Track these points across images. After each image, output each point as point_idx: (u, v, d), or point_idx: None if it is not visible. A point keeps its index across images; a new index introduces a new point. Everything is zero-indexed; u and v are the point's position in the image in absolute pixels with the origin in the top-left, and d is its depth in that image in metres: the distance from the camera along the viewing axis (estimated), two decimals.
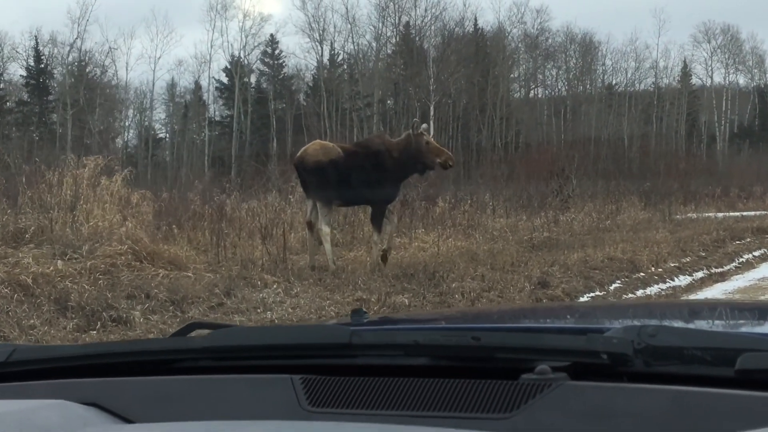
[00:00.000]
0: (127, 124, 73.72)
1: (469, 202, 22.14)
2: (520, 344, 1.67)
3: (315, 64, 70.10)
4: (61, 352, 2.08)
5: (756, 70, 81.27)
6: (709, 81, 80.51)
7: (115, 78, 70.83)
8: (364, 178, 12.71)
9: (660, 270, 15.18)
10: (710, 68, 79.91)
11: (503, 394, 1.50)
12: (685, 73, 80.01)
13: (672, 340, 1.56)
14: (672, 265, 15.71)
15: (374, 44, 68.45)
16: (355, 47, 69.21)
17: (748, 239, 20.89)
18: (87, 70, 68.32)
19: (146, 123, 73.73)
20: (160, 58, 72.64)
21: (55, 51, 68.22)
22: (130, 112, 73.51)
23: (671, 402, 1.42)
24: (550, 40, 75.52)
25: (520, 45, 74.25)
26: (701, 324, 2.55)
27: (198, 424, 1.61)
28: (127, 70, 69.51)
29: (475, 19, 71.70)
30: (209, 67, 71.20)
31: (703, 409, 1.38)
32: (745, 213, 30.18)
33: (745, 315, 2.79)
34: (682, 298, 12.52)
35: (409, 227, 17.60)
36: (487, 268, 13.51)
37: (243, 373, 1.80)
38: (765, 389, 1.40)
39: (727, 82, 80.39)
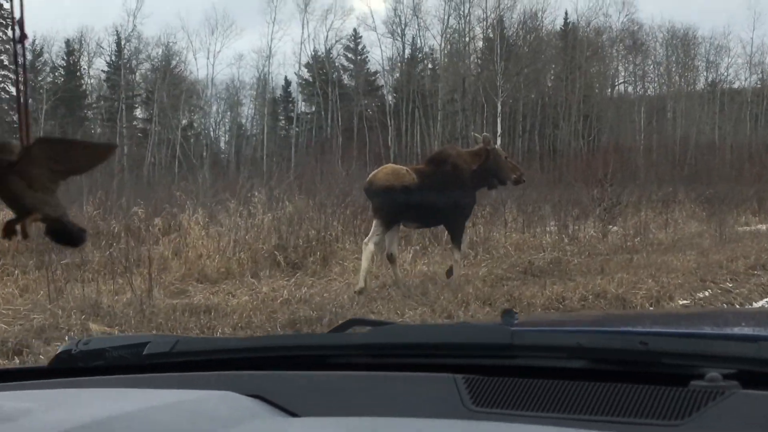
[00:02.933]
0: (218, 120, 72.91)
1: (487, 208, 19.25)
2: (688, 350, 1.61)
3: (397, 58, 68.04)
4: (223, 345, 2.18)
5: None
6: None
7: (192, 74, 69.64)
8: (442, 195, 12.08)
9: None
10: None
11: (673, 400, 1.43)
12: None
13: None
14: (680, 302, 12.46)
15: (439, 40, 66.28)
16: (435, 43, 67.06)
17: None
18: (172, 65, 68.16)
19: (237, 119, 72.90)
20: (241, 56, 71.61)
21: (134, 47, 67.71)
22: (214, 108, 72.76)
23: None
24: (642, 34, 71.92)
25: (605, 39, 70.69)
26: None
27: (367, 419, 1.53)
28: (212, 66, 68.39)
29: (566, 13, 68.69)
30: (298, 61, 69.70)
31: None
32: None
33: None
34: None
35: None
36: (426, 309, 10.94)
37: (399, 370, 1.74)
38: None
39: None
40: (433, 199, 12.04)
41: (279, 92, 72.53)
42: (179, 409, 1.59)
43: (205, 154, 64.37)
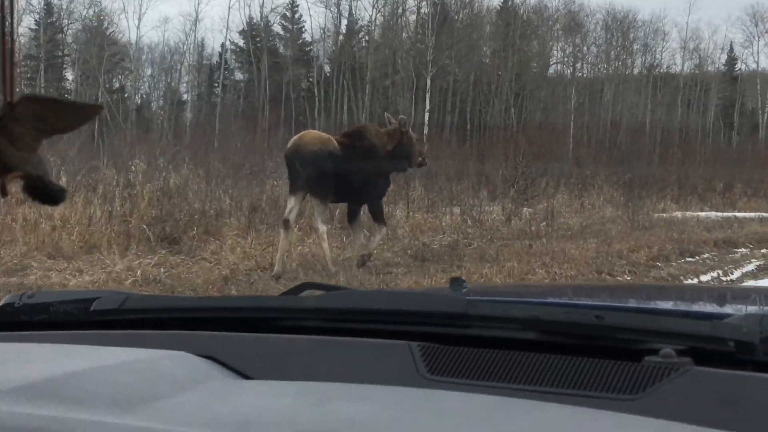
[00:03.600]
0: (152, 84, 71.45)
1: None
2: (643, 326, 1.59)
3: (332, 29, 66.90)
4: (174, 304, 2.12)
5: None
6: (755, 66, 76.93)
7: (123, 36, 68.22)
8: (359, 172, 11.77)
9: None
10: (757, 53, 79.02)
11: (627, 375, 1.42)
12: (731, 57, 77.02)
13: None
14: None
15: (376, 13, 65.24)
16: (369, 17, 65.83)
17: (705, 255, 16.46)
18: (103, 27, 66.77)
19: (172, 84, 71.13)
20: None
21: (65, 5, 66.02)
22: (147, 71, 71.13)
23: None
24: (582, 15, 71.12)
25: (544, 18, 69.84)
26: None
27: (320, 384, 1.51)
28: (137, 29, 66.93)
29: None
30: (226, 27, 68.61)
31: None
32: (740, 214, 26.00)
33: None
34: None
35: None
36: None
37: (353, 336, 1.73)
38: None
39: None
40: (353, 174, 11.69)
41: (215, 59, 70.74)
42: (134, 368, 1.54)
43: (133, 117, 63.02)
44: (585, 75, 72.03)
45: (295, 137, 12.32)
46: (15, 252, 10.81)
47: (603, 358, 1.50)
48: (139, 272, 10.34)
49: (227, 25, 68.77)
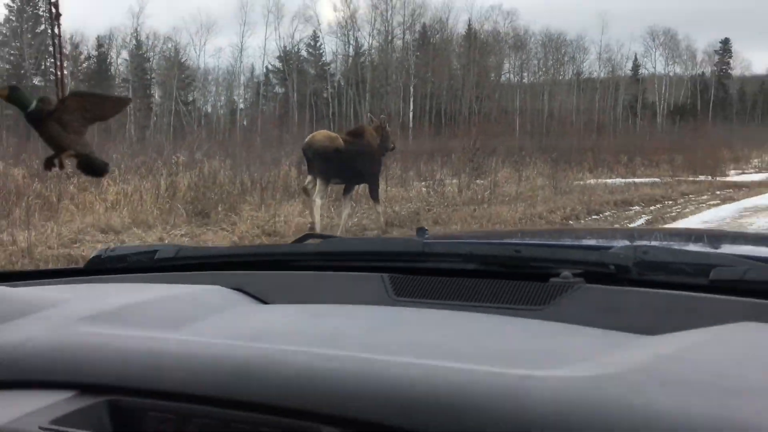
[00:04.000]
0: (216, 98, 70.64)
1: None
2: (549, 256, 1.62)
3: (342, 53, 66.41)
4: (213, 252, 2.11)
5: (689, 63, 79.60)
6: (653, 71, 78.34)
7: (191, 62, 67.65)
8: (361, 160, 11.59)
9: None
10: (654, 61, 78.66)
11: (537, 292, 1.47)
12: (636, 65, 77.82)
13: (660, 256, 1.53)
14: None
15: (372, 41, 64.28)
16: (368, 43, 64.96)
17: (607, 213, 15.80)
18: (179, 56, 66.29)
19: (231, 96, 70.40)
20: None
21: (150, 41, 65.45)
22: (214, 88, 70.17)
23: (661, 300, 1.40)
24: (526, 36, 70.30)
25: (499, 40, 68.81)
26: (683, 245, 2.22)
27: (316, 306, 1.54)
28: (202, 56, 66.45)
29: (469, 21, 66.92)
30: (264, 53, 67.70)
31: (684, 307, 1.36)
32: (638, 180, 25.20)
33: (717, 240, 2.57)
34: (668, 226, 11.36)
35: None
36: None
37: (341, 271, 1.73)
38: (730, 295, 1.38)
39: (667, 72, 78.31)
40: (356, 162, 11.47)
41: (262, 77, 70.05)
42: (180, 298, 1.54)
43: (202, 122, 62.68)
44: (528, 81, 71.27)
45: (309, 135, 12.03)
46: (73, 228, 10.20)
47: (521, 281, 1.51)
48: (167, 241, 9.75)
49: (264, 52, 68.44)
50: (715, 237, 2.86)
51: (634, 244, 1.96)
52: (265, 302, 1.62)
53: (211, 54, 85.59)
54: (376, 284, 1.61)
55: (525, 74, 71.27)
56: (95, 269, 1.98)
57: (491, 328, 1.35)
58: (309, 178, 11.56)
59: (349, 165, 11.32)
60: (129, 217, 11.25)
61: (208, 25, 74.37)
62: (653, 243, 2.26)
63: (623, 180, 25.33)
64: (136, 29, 64.66)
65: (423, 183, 18.70)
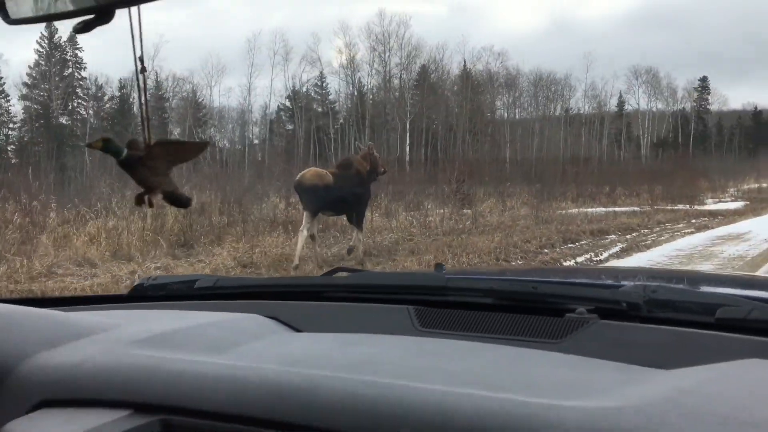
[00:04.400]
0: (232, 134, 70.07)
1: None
2: (565, 292, 1.61)
3: (344, 91, 66.07)
4: (250, 282, 2.07)
5: (671, 99, 79.26)
6: (637, 107, 77.81)
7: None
8: (351, 191, 11.14)
9: None
10: (638, 97, 77.67)
11: (554, 326, 1.42)
12: (621, 101, 77.09)
13: (670, 295, 1.49)
14: None
15: (371, 80, 64.12)
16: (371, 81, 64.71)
17: (583, 242, 14.96)
18: (196, 96, 66.10)
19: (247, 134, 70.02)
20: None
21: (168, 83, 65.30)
22: (230, 126, 69.76)
23: (670, 337, 1.35)
24: (519, 77, 69.69)
25: (491, 79, 68.16)
26: (690, 285, 2.05)
27: (346, 335, 1.47)
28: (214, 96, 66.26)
29: (464, 62, 66.50)
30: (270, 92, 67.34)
31: (693, 343, 1.32)
32: (618, 209, 24.47)
33: (722, 281, 2.47)
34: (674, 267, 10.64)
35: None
36: None
37: (368, 303, 1.70)
38: (736, 333, 1.33)
39: (649, 107, 77.71)
40: (345, 194, 11.01)
41: (273, 115, 69.61)
42: (222, 325, 1.49)
43: (216, 157, 62.36)
44: (519, 117, 70.69)
45: (300, 173, 11.52)
46: (46, 262, 9.53)
47: (538, 315, 1.47)
48: (137, 275, 9.09)
49: (271, 91, 68.54)
50: (720, 279, 2.78)
51: (644, 283, 1.81)
52: (299, 330, 1.57)
53: (222, 93, 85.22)
54: (403, 316, 1.57)
55: (516, 111, 70.76)
56: (138, 296, 1.94)
57: (513, 358, 1.30)
58: (307, 218, 11.00)
59: (339, 197, 10.94)
60: (108, 250, 10.59)
61: (219, 67, 74.28)
62: (662, 283, 2.07)
63: (604, 209, 24.64)
64: (156, 72, 64.51)
65: (410, 214, 18.02)
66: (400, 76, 62.19)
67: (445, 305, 1.60)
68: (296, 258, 10.50)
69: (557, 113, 72.13)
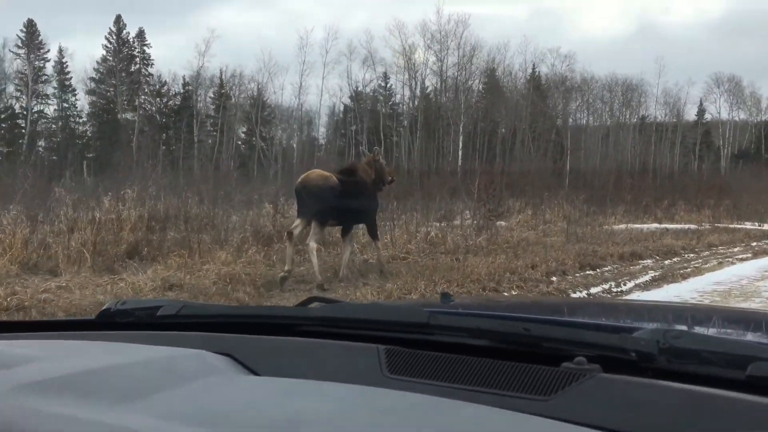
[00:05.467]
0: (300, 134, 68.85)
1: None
2: (562, 336, 1.34)
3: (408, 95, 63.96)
4: (213, 311, 1.88)
5: (754, 109, 73.77)
6: (718, 116, 72.19)
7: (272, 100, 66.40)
8: (356, 199, 10.13)
9: None
10: (719, 106, 72.08)
11: (545, 378, 1.20)
12: (701, 110, 71.97)
13: (692, 344, 1.24)
14: None
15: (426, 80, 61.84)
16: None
17: (606, 268, 12.61)
18: (262, 96, 65.28)
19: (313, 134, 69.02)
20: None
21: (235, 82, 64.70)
22: (296, 126, 68.55)
23: (688, 399, 1.12)
24: (592, 82, 66.19)
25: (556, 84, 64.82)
26: (717, 328, 1.94)
27: (298, 382, 1.29)
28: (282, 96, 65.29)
29: (533, 66, 63.79)
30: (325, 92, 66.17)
31: (716, 409, 1.09)
32: (671, 226, 21.93)
33: (758, 324, 2.01)
34: (703, 303, 8.92)
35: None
36: None
37: (343, 339, 1.51)
38: None
39: (731, 117, 72.43)
40: (352, 200, 10.01)
41: (340, 116, 68.12)
42: (153, 364, 1.34)
43: (279, 158, 61.43)
44: (590, 124, 67.14)
45: (303, 174, 10.54)
46: None
47: (530, 363, 1.24)
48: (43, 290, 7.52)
49: (321, 91, 66.93)
50: (759, 319, 2.16)
51: (664, 327, 1.59)
52: (252, 370, 1.39)
53: (282, 91, 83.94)
54: (370, 357, 1.36)
55: (585, 116, 67.38)
56: (104, 322, 1.78)
57: (481, 423, 1.10)
58: (297, 221, 10.12)
59: (344, 204, 9.88)
60: (16, 262, 9.03)
61: (270, 65, 73.37)
62: (682, 326, 1.89)
63: (657, 225, 22.18)
64: (221, 70, 64.09)
65: (427, 225, 16.05)
66: (456, 78, 59.84)
67: (427, 345, 1.39)
68: (317, 274, 9.59)
69: (631, 120, 68.46)
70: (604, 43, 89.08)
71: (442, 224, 17.10)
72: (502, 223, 19.00)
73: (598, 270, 12.36)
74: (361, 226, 11.45)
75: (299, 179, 10.47)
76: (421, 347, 1.38)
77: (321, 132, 70.43)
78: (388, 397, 1.20)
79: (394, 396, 1.20)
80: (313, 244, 9.72)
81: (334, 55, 74.76)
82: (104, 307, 1.84)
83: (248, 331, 1.60)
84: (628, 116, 68.66)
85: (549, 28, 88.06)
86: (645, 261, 13.94)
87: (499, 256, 12.29)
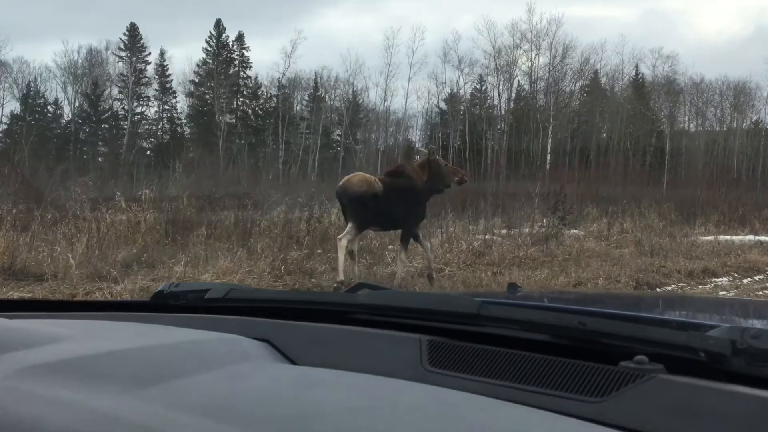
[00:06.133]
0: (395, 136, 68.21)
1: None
2: (621, 332, 1.20)
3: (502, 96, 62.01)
4: (260, 295, 1.84)
5: None
6: None
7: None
8: (401, 204, 9.36)
9: None
10: None
11: (601, 377, 1.09)
12: None
13: None
14: None
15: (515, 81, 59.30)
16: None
17: (670, 287, 10.95)
18: (356, 98, 65.06)
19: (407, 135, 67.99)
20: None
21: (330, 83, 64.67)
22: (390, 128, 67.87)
23: (762, 408, 0.97)
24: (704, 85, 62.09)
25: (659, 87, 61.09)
26: None
27: (329, 372, 1.23)
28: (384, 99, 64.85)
29: (636, 67, 60.69)
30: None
31: None
32: (765, 238, 19.79)
33: None
34: None
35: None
36: None
37: (388, 328, 1.44)
38: None
39: None
40: (395, 207, 9.30)
41: (438, 119, 66.97)
42: (177, 349, 1.28)
43: (365, 162, 60.89)
44: (700, 129, 63.11)
45: (344, 178, 9.78)
46: None
47: (586, 360, 1.14)
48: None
49: (406, 93, 65.80)
50: None
51: (737, 323, 1.46)
52: (289, 358, 1.36)
53: (360, 94, 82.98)
54: (412, 349, 1.29)
55: (690, 120, 63.58)
56: (158, 304, 1.78)
57: (522, 429, 0.99)
58: (348, 227, 9.31)
59: (388, 210, 9.28)
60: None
61: (357, 66, 72.91)
62: (764, 324, 1.71)
63: (754, 237, 20.09)
64: (316, 73, 64.26)
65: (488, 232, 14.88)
66: (547, 78, 57.68)
67: (476, 337, 1.31)
68: (340, 273, 8.94)
69: (741, 125, 63.99)
70: (709, 45, 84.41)
71: (511, 231, 15.89)
72: (575, 231, 17.57)
73: (657, 289, 10.85)
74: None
75: (340, 183, 9.74)
76: (469, 339, 1.30)
77: (414, 135, 69.53)
78: (423, 392, 1.12)
79: (430, 392, 1.12)
80: (344, 242, 9.03)
81: (420, 56, 73.64)
82: (159, 288, 1.83)
83: (292, 317, 1.55)
84: (738, 121, 64.40)
85: (653, 29, 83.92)
86: (719, 279, 12.26)
87: (544, 270, 10.98)
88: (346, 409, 1.01)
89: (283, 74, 62.97)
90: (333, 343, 1.39)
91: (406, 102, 74.90)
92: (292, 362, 1.33)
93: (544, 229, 16.03)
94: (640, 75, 61.04)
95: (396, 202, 9.33)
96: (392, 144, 66.40)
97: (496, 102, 62.06)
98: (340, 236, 9.21)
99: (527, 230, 16.41)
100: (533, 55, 58.09)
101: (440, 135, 63.75)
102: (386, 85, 64.39)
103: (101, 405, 0.98)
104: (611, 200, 22.41)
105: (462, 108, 62.77)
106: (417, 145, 67.19)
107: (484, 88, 63.33)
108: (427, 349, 1.28)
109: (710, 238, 18.79)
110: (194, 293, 1.74)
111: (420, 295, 2.11)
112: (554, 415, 1.00)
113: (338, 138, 65.80)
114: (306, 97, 65.62)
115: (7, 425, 0.93)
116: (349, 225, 9.21)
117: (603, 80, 60.14)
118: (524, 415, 1.00)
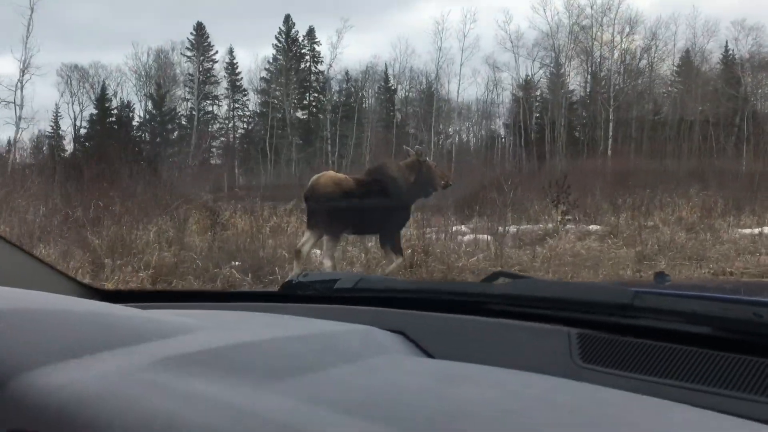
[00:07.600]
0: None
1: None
2: None
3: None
4: (393, 285, 1.74)
5: None
6: None
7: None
8: (379, 205, 8.83)
9: None
10: None
11: None
12: None
13: None
14: None
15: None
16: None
17: None
18: (432, 90, 64.02)
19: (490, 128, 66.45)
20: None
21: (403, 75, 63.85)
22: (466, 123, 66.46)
23: None
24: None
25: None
26: None
27: (470, 367, 1.16)
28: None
29: (726, 44, 56.65)
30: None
31: None
32: None
33: None
34: None
35: None
36: None
37: (530, 320, 1.34)
38: None
39: None
40: (372, 208, 8.77)
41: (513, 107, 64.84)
42: (309, 341, 1.25)
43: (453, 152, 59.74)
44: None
45: (313, 178, 9.19)
46: None
47: (760, 356, 1.04)
48: None
49: (460, 79, 63.80)
50: None
51: None
52: (426, 351, 1.32)
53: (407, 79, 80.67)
54: (560, 343, 1.22)
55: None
56: (287, 294, 1.77)
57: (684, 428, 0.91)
58: (306, 235, 8.77)
59: (364, 211, 8.72)
60: None
61: (408, 53, 71.25)
62: None
63: None
64: (385, 64, 63.64)
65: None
66: (607, 58, 54.88)
67: (629, 330, 1.20)
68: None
69: None
70: None
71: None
72: (592, 227, 16.26)
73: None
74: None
75: (309, 183, 9.12)
76: (620, 333, 1.21)
77: (498, 124, 67.75)
78: (579, 390, 1.05)
79: (587, 390, 1.05)
80: (327, 262, 8.43)
81: (472, 40, 71.51)
82: (288, 278, 1.95)
83: (426, 308, 1.48)
84: None
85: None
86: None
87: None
88: (500, 409, 0.94)
89: (330, 65, 62.45)
90: (472, 336, 1.34)
91: (458, 88, 72.30)
92: (429, 355, 1.30)
93: (551, 225, 15.03)
94: (730, 51, 57.16)
95: (374, 202, 8.77)
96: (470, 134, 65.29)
97: (572, 87, 59.65)
98: (321, 258, 8.67)
99: (531, 227, 15.43)
100: (595, 32, 55.38)
101: (521, 121, 61.98)
102: (460, 73, 62.68)
103: (238, 399, 0.95)
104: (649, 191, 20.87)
105: (537, 93, 60.78)
106: (500, 135, 65.98)
107: (561, 71, 61.03)
108: (578, 342, 1.21)
109: (747, 231, 17.06)
110: (323, 283, 1.71)
111: (564, 285, 2.06)
112: (731, 417, 0.91)
113: (412, 131, 64.87)
114: (377, 88, 64.95)
115: (143, 419, 0.91)
116: (325, 239, 8.66)
117: (678, 58, 56.75)
118: (701, 419, 0.91)
